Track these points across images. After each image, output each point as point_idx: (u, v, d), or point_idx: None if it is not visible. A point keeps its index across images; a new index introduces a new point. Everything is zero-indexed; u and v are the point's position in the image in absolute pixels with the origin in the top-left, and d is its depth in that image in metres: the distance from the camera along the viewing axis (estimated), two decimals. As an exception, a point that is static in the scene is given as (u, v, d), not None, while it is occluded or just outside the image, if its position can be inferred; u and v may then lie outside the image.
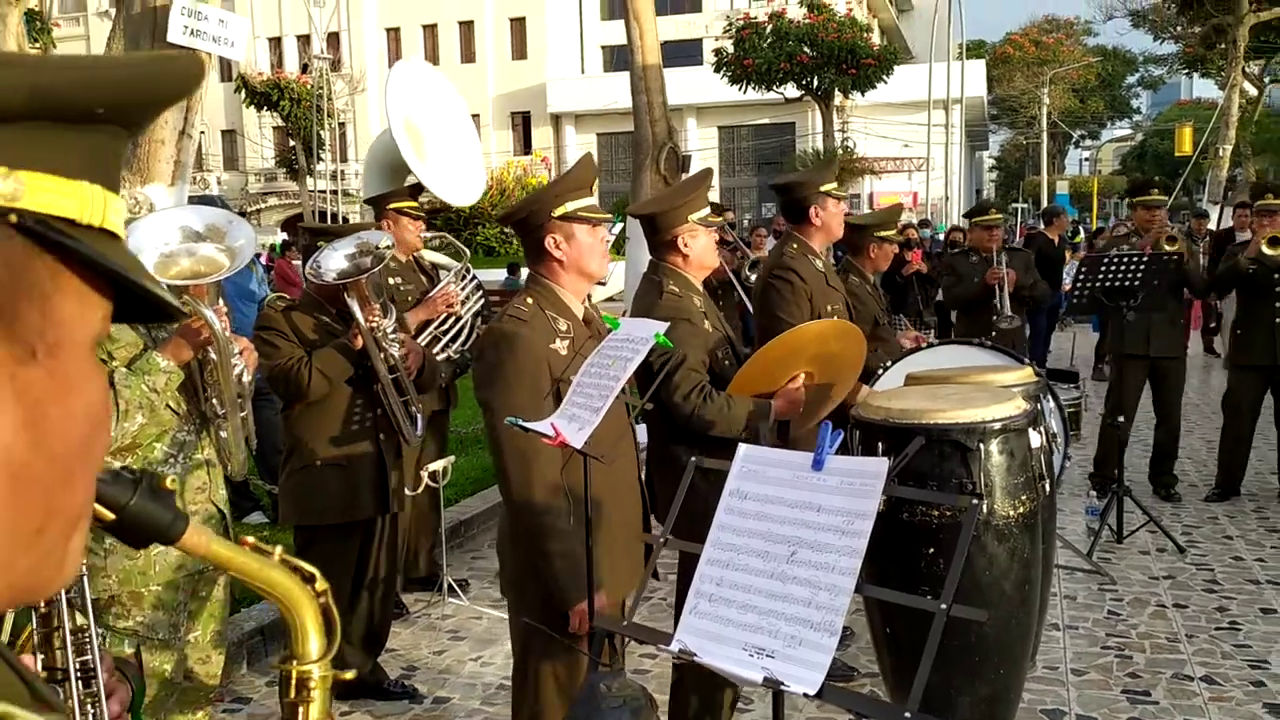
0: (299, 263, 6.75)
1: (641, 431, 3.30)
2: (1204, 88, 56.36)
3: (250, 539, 1.17)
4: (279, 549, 1.18)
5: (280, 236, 17.09)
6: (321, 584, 1.18)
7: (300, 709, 1.15)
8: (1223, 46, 24.33)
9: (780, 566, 1.65)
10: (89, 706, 1.26)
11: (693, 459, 1.97)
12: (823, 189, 4.22)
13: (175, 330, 2.78)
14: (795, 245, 4.23)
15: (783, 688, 1.55)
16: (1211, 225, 14.86)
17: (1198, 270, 6.72)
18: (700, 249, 3.27)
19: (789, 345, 3.20)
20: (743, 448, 1.86)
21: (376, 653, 4.12)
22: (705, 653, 1.66)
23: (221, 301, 3.07)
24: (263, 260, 14.52)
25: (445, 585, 5.14)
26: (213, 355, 2.89)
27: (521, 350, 2.59)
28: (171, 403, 2.82)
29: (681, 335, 3.06)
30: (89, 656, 1.26)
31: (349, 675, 1.23)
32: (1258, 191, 6.88)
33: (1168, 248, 6.40)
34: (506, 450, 2.58)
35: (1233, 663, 4.26)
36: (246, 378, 3.06)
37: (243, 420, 3.06)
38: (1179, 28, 28.49)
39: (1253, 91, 31.34)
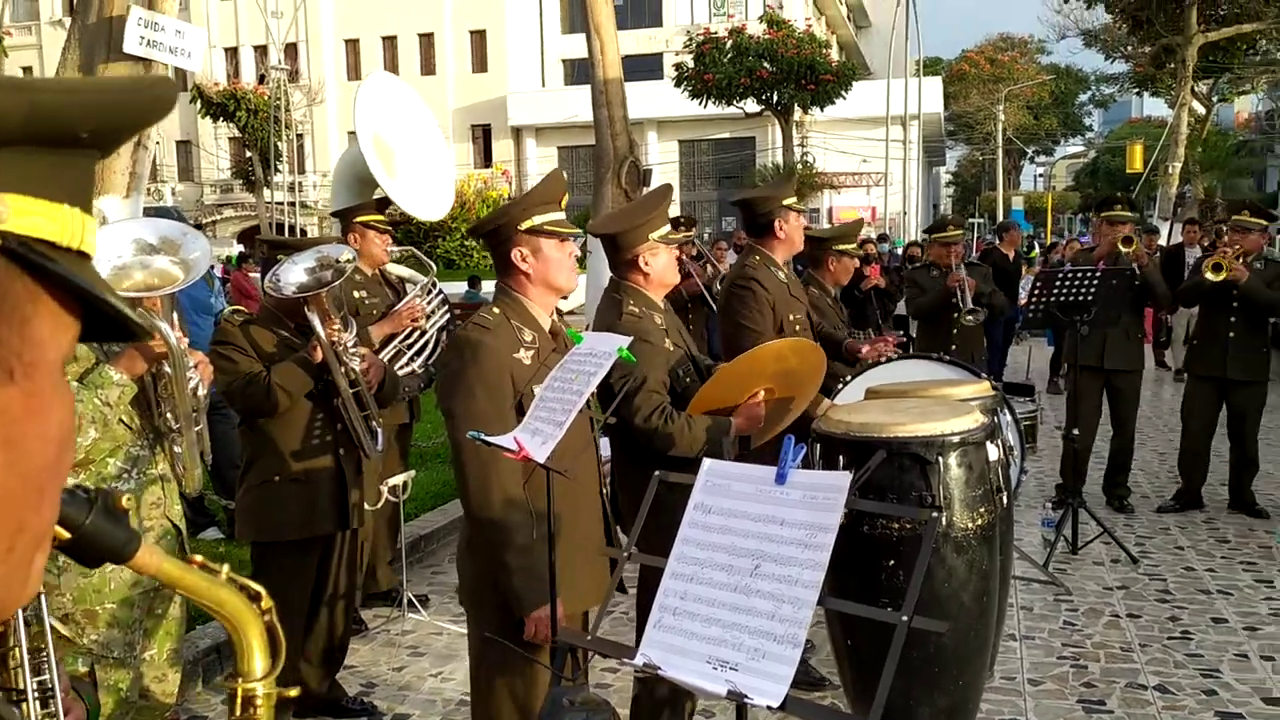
0: (256, 275, 6.69)
1: (604, 445, 3.30)
2: (1154, 106, 57.50)
3: (199, 557, 1.16)
4: (225, 567, 1.18)
5: (237, 249, 16.94)
6: (267, 602, 1.18)
7: (246, 727, 1.15)
8: (1172, 66, 24.83)
9: (744, 580, 1.66)
10: (46, 726, 1.24)
11: (657, 473, 1.97)
12: (785, 203, 4.27)
13: (129, 344, 2.75)
14: (758, 257, 4.27)
15: (746, 700, 1.56)
16: (1162, 241, 15.12)
17: (1161, 281, 6.84)
18: (661, 267, 3.27)
19: (750, 364, 3.22)
20: (707, 461, 1.87)
21: (335, 670, 4.08)
22: (669, 666, 1.66)
23: (176, 315, 3.03)
24: (219, 273, 14.37)
25: (405, 601, 5.10)
26: (167, 369, 2.86)
27: (485, 358, 2.59)
28: (125, 417, 2.79)
29: (641, 356, 3.06)
30: (45, 676, 1.25)
31: (293, 692, 1.23)
32: (1235, 208, 7.01)
33: (1123, 248, 6.53)
34: (468, 460, 2.57)
35: (1185, 672, 4.33)
36: (201, 391, 3.03)
37: (198, 435, 3.03)
38: (1129, 47, 29.06)
39: (1201, 110, 32.03)
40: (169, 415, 2.93)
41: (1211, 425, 6.73)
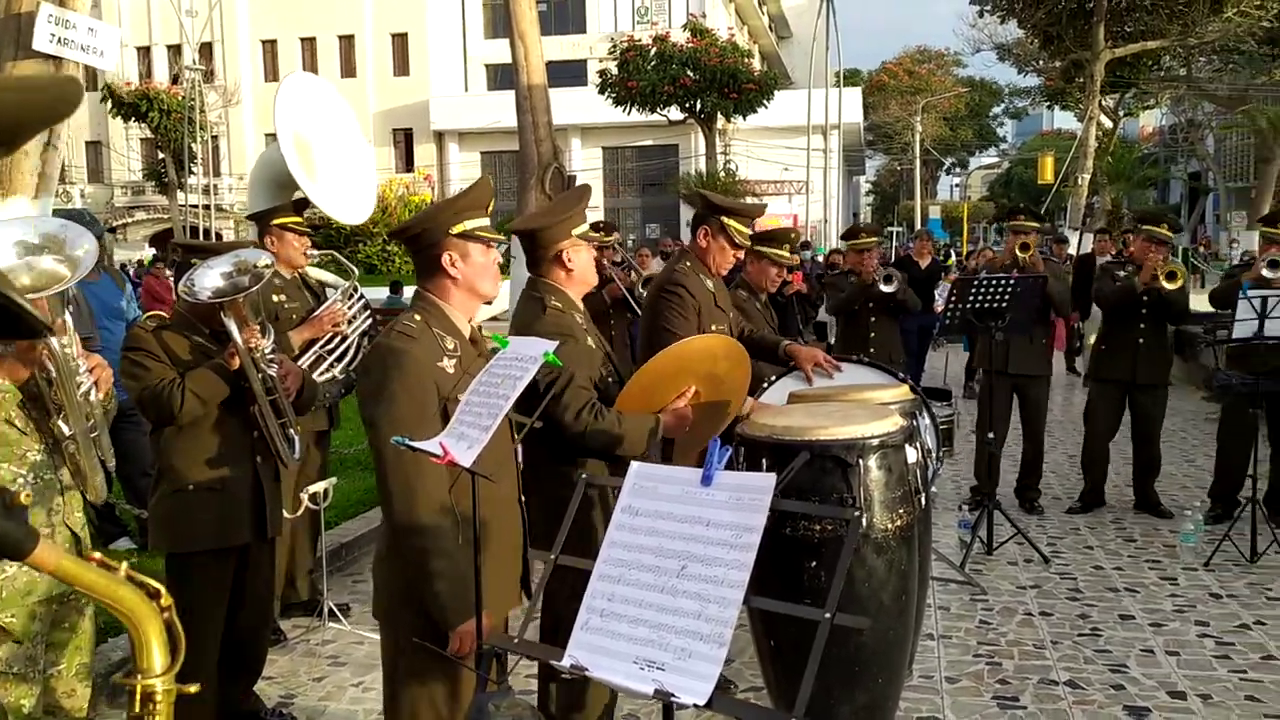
0: (170, 279, 6.53)
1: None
2: (1064, 119, 59.26)
3: (97, 554, 1.14)
4: (124, 565, 1.17)
5: (149, 252, 16.52)
6: (166, 599, 1.16)
7: (146, 723, 1.14)
8: (1081, 81, 25.60)
9: (670, 580, 1.68)
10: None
11: (583, 476, 1.98)
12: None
13: (9, 347, 2.65)
14: (689, 263, 4.28)
15: (673, 699, 1.58)
16: (1071, 250, 15.60)
17: (1065, 290, 7.07)
18: (583, 264, 3.26)
19: (675, 359, 3.20)
20: (635, 464, 1.88)
21: (252, 681, 4.00)
22: (597, 667, 1.67)
23: (68, 315, 2.92)
24: (131, 276, 14.00)
25: (325, 610, 5.02)
26: (55, 372, 2.77)
27: (408, 367, 2.56)
28: (18, 421, 2.69)
29: (568, 353, 3.05)
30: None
31: (193, 689, 1.22)
32: (1150, 219, 7.26)
33: (1020, 254, 6.81)
34: (391, 468, 2.53)
35: (1094, 667, 4.47)
36: (96, 396, 2.93)
37: (96, 440, 2.93)
38: (1041, 62, 29.89)
39: (1108, 124, 33.11)
40: (60, 422, 2.83)
41: (1115, 427, 6.97)
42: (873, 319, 7.24)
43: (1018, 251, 6.85)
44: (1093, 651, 4.63)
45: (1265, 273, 6.18)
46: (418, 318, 2.66)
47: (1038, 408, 6.97)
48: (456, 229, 2.67)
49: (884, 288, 7.10)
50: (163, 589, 1.18)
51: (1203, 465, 7.53)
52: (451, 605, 2.52)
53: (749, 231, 4.41)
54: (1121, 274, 6.76)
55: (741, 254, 4.47)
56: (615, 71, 24.78)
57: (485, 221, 2.74)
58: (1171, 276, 6.45)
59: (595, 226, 5.09)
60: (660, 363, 3.19)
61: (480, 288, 2.73)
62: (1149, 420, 6.82)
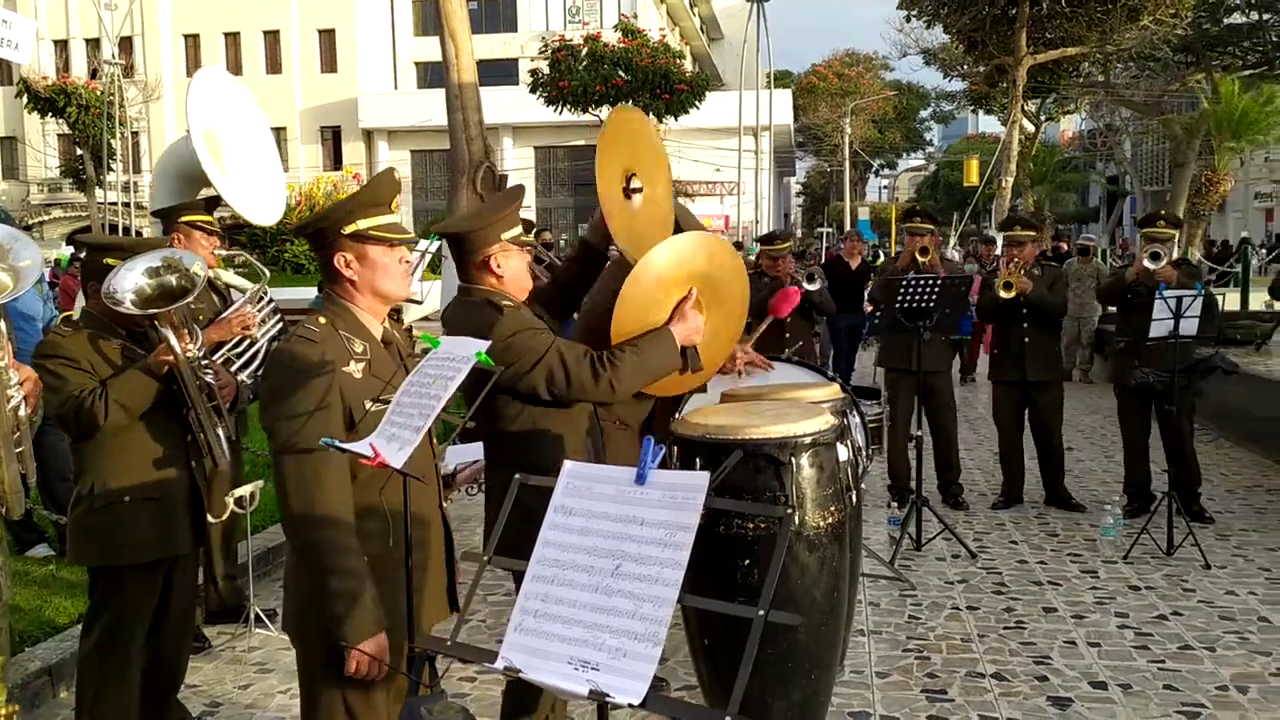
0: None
1: (476, 450, 3.21)
2: (989, 123, 60.48)
3: None
4: None
5: (67, 251, 16.06)
6: None
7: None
8: (1004, 86, 26.14)
9: (605, 580, 1.67)
10: None
11: (517, 476, 1.96)
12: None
13: None
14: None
15: (608, 699, 1.57)
16: (998, 251, 15.92)
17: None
18: (515, 270, 3.07)
19: (652, 270, 2.96)
20: (568, 464, 1.87)
21: (172, 694, 3.87)
22: (531, 669, 1.66)
23: (2, 325, 2.79)
24: (49, 276, 13.58)
25: (251, 616, 4.92)
26: None
27: (309, 372, 2.43)
28: None
29: (533, 343, 2.91)
30: None
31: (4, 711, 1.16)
32: (1006, 224, 7.59)
33: (920, 258, 7.04)
34: (289, 480, 2.42)
35: (1019, 659, 4.56)
36: (24, 412, 2.80)
37: (19, 456, 2.80)
38: (966, 67, 30.43)
39: (1030, 128, 33.88)
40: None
41: (1020, 426, 7.19)
42: (788, 319, 7.35)
43: (917, 256, 7.06)
44: (1018, 644, 4.73)
45: (1147, 264, 6.44)
46: (323, 320, 2.53)
47: (947, 403, 7.13)
48: (350, 228, 2.52)
49: (807, 285, 7.28)
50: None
51: (1120, 460, 7.72)
52: (351, 623, 2.39)
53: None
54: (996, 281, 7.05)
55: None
56: (546, 71, 24.69)
57: (387, 219, 2.58)
58: (1007, 287, 6.81)
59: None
60: (637, 280, 2.95)
61: (383, 288, 2.58)
62: (1047, 415, 7.08)
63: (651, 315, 2.99)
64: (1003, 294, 6.80)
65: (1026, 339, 6.94)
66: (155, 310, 3.39)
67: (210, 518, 3.81)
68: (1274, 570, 5.69)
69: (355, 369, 2.51)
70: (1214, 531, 6.40)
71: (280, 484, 2.45)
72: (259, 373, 4.76)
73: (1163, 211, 7.40)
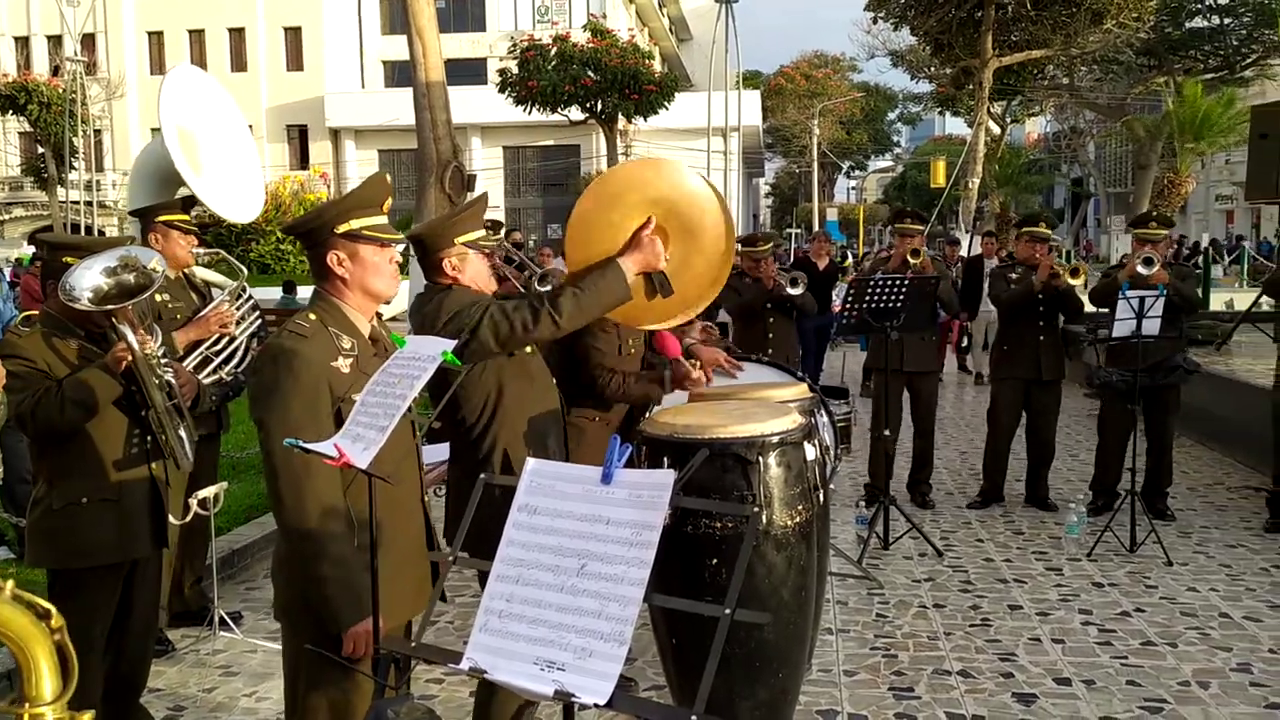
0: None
1: (442, 450, 3.23)
2: (955, 125, 61.00)
3: None
4: (10, 583, 1.09)
5: (28, 250, 15.85)
6: (58, 620, 1.09)
7: (31, 755, 1.07)
8: (971, 87, 26.37)
9: (570, 580, 1.66)
10: None
11: (482, 475, 1.95)
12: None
13: None
14: None
15: (573, 699, 1.57)
16: (963, 252, 16.07)
17: (950, 292, 7.30)
18: (472, 273, 3.22)
19: (595, 203, 3.06)
20: (531, 462, 1.86)
21: (135, 699, 3.82)
22: (496, 670, 1.64)
23: None
24: (10, 275, 13.39)
25: (216, 619, 4.87)
26: None
27: (299, 367, 2.49)
28: None
29: (479, 303, 3.08)
30: None
31: (87, 717, 1.15)
32: (1027, 221, 7.50)
33: (912, 260, 7.00)
34: (281, 471, 2.47)
35: (985, 656, 4.60)
36: None
37: None
38: (933, 69, 30.63)
39: (996, 130, 34.18)
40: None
41: (1016, 425, 7.18)
42: (771, 320, 7.40)
43: (909, 258, 7.02)
44: (983, 641, 4.77)
45: (1140, 269, 6.45)
46: (313, 316, 2.61)
47: (929, 404, 7.16)
48: (342, 228, 2.61)
49: (790, 290, 7.30)
50: (53, 609, 1.10)
51: (1085, 459, 7.82)
52: (343, 608, 2.47)
53: None
54: (1014, 276, 6.98)
55: None
56: (515, 71, 24.60)
57: (378, 220, 2.67)
58: (1075, 273, 6.73)
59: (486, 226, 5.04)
60: (579, 216, 3.09)
61: (373, 287, 2.67)
62: (1047, 415, 7.05)
63: (605, 235, 3.09)
64: (1070, 280, 6.67)
65: (1042, 336, 6.88)
66: (111, 306, 3.34)
67: (172, 520, 3.76)
68: (1234, 567, 5.77)
69: (343, 365, 2.57)
70: (1176, 529, 6.47)
71: (271, 476, 2.50)
72: (239, 370, 4.73)
73: (1154, 212, 7.39)
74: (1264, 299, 11.18)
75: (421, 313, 3.18)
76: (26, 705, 1.06)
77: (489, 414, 3.20)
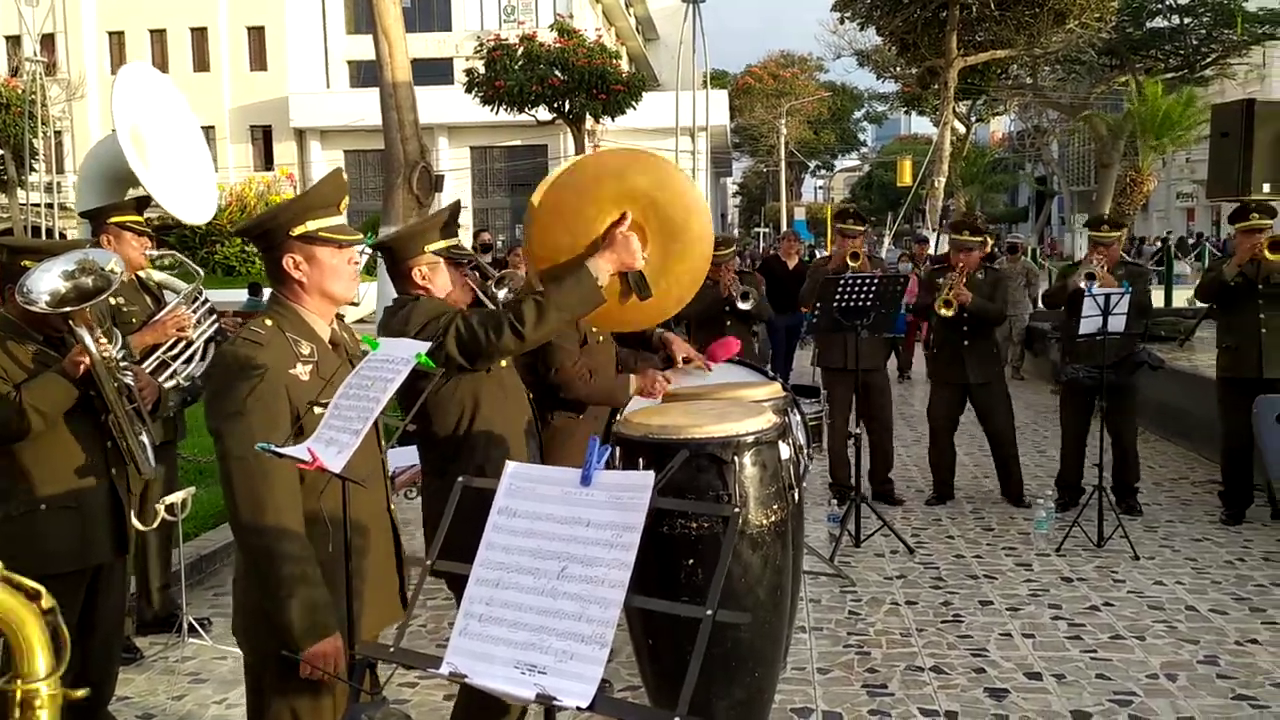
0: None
1: (411, 453, 3.19)
2: (921, 124, 61.41)
3: None
4: None
5: (-13, 252, 15.59)
6: (48, 600, 1.09)
7: (25, 730, 1.07)
8: (936, 87, 26.57)
9: (550, 582, 1.65)
10: None
11: (460, 478, 1.93)
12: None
13: None
14: None
15: (555, 702, 1.56)
16: (931, 250, 16.19)
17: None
18: (441, 283, 3.18)
19: (560, 198, 2.98)
20: (511, 465, 1.85)
21: (100, 707, 3.74)
22: (476, 674, 1.63)
23: None
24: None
25: (184, 625, 4.81)
26: None
27: (254, 374, 2.39)
28: None
29: (446, 314, 3.04)
30: None
31: (80, 694, 1.14)
32: (956, 228, 7.62)
33: (851, 263, 7.08)
34: (236, 482, 2.37)
35: (957, 652, 4.63)
36: None
37: None
38: (898, 68, 30.84)
39: (961, 129, 34.45)
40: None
41: (953, 425, 7.30)
42: (728, 324, 7.41)
43: (849, 261, 7.09)
44: (955, 637, 4.80)
45: (1083, 285, 6.51)
46: (269, 322, 2.50)
47: (883, 398, 7.22)
48: (298, 230, 2.50)
49: (741, 305, 7.31)
50: (43, 590, 1.09)
51: (1053, 456, 7.88)
52: (302, 628, 2.35)
53: None
54: (940, 281, 7.08)
55: None
56: (482, 70, 24.49)
57: (336, 220, 2.57)
58: (947, 304, 6.87)
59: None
60: (544, 208, 3.01)
61: (331, 290, 2.56)
62: (992, 414, 7.15)
63: (577, 225, 3.00)
64: (943, 311, 6.84)
65: (966, 341, 7.01)
66: (69, 309, 3.29)
67: (139, 525, 3.71)
68: (1199, 560, 5.85)
69: (302, 371, 2.47)
70: (1142, 524, 6.55)
71: (228, 488, 2.40)
72: (196, 375, 4.65)
73: (1106, 215, 7.49)
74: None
75: (389, 325, 3.10)
76: (19, 681, 1.06)
77: (465, 428, 3.15)
